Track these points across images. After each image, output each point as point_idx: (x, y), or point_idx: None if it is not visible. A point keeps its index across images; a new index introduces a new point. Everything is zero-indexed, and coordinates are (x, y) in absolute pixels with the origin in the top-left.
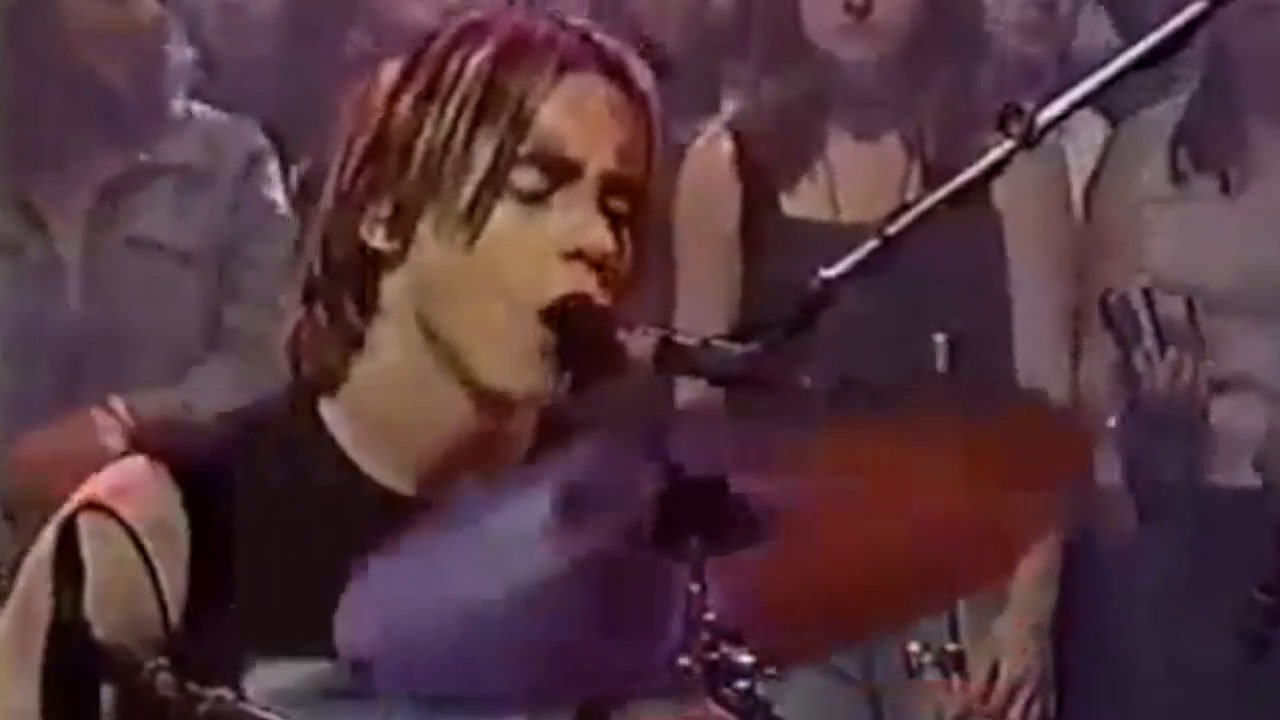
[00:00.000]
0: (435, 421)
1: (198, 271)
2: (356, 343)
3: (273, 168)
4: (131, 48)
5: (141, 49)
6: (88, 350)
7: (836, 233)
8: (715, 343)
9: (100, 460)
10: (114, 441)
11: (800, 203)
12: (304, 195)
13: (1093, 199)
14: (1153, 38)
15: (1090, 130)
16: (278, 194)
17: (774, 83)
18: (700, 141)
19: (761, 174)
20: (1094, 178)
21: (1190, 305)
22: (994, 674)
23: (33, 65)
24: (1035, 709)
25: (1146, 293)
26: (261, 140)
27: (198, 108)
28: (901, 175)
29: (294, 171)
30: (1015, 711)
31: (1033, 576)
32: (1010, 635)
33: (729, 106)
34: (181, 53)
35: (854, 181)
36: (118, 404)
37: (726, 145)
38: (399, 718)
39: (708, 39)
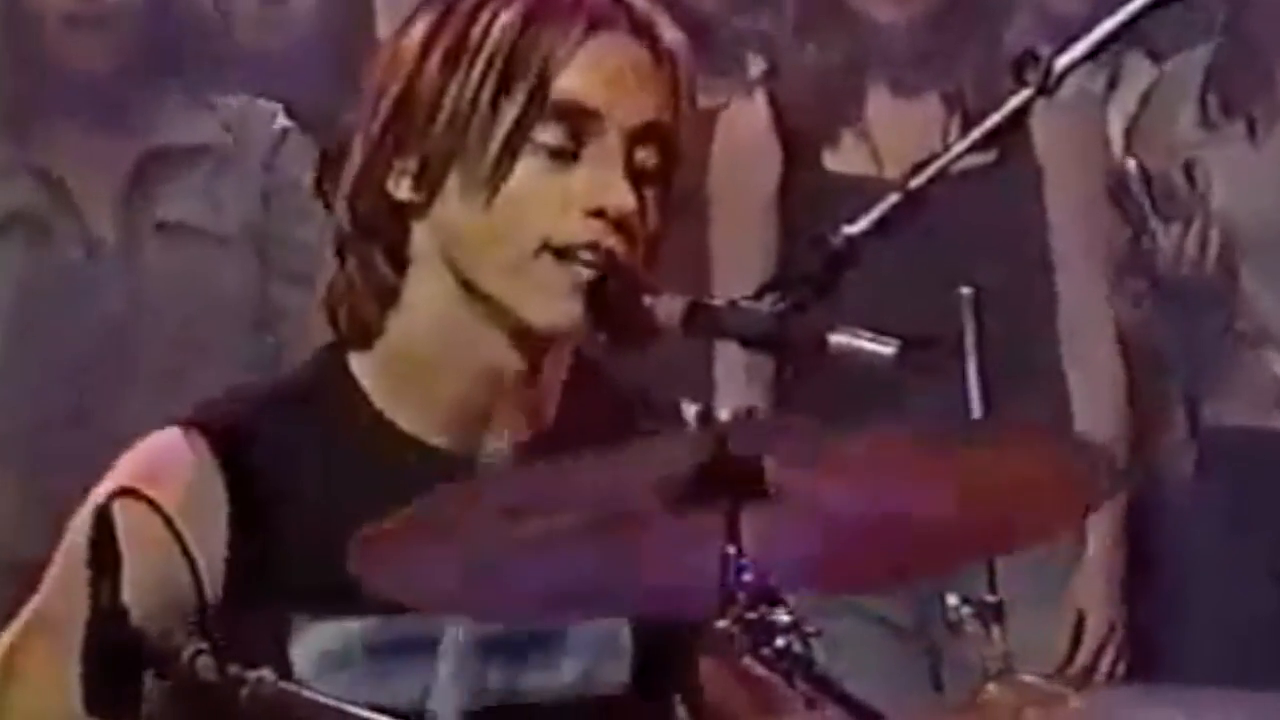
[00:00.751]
0: (472, 368)
1: (235, 253)
2: (391, 295)
3: (298, 147)
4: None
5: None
6: (127, 334)
7: (880, 187)
8: (743, 303)
9: None
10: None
11: (843, 159)
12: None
13: (1133, 143)
14: None
15: (1141, 74)
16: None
17: (811, 43)
18: (734, 105)
19: (801, 133)
20: (1134, 120)
21: (1188, 172)
22: (1079, 630)
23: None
24: (1121, 663)
25: (1142, 168)
26: (285, 121)
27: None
28: (941, 129)
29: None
30: (1104, 664)
31: (1107, 532)
32: (1091, 590)
33: (756, 69)
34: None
35: (895, 137)
36: None
37: (763, 106)
38: (446, 665)
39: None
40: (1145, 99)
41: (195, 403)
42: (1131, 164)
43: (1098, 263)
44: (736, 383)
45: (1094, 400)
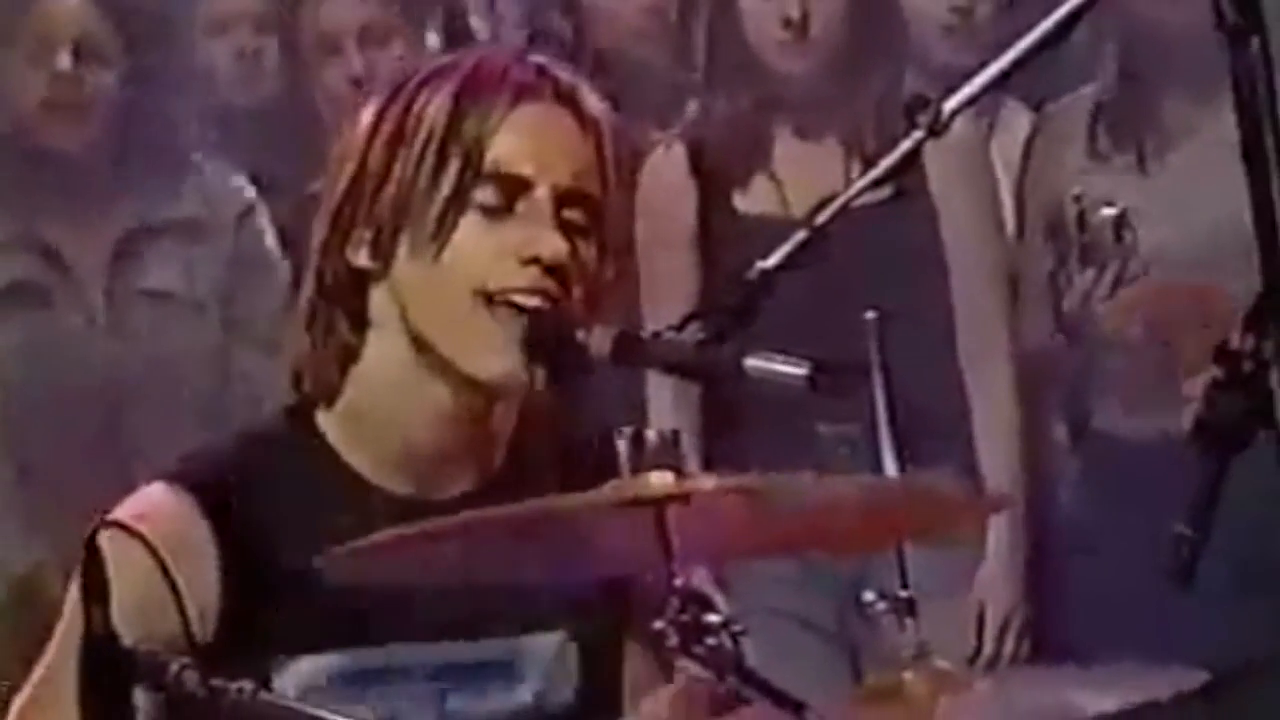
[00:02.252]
0: (424, 420)
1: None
2: (352, 355)
3: (263, 218)
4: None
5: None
6: (116, 394)
7: (787, 226)
8: (665, 334)
9: None
10: None
11: (752, 200)
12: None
13: (1024, 184)
14: (1045, 24)
15: (1020, 121)
16: (269, 241)
17: (723, 92)
18: (658, 150)
19: (714, 176)
20: (1022, 164)
21: (1118, 225)
22: (981, 618)
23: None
24: (1025, 645)
25: (1080, 212)
26: (250, 192)
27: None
28: (843, 171)
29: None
30: (1007, 650)
31: (1005, 530)
32: (991, 584)
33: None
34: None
35: (800, 179)
36: None
37: (680, 151)
38: (413, 692)
39: (662, 52)
40: (1029, 141)
41: (175, 458)
42: (1072, 208)
43: (995, 294)
44: (666, 407)
45: (992, 421)
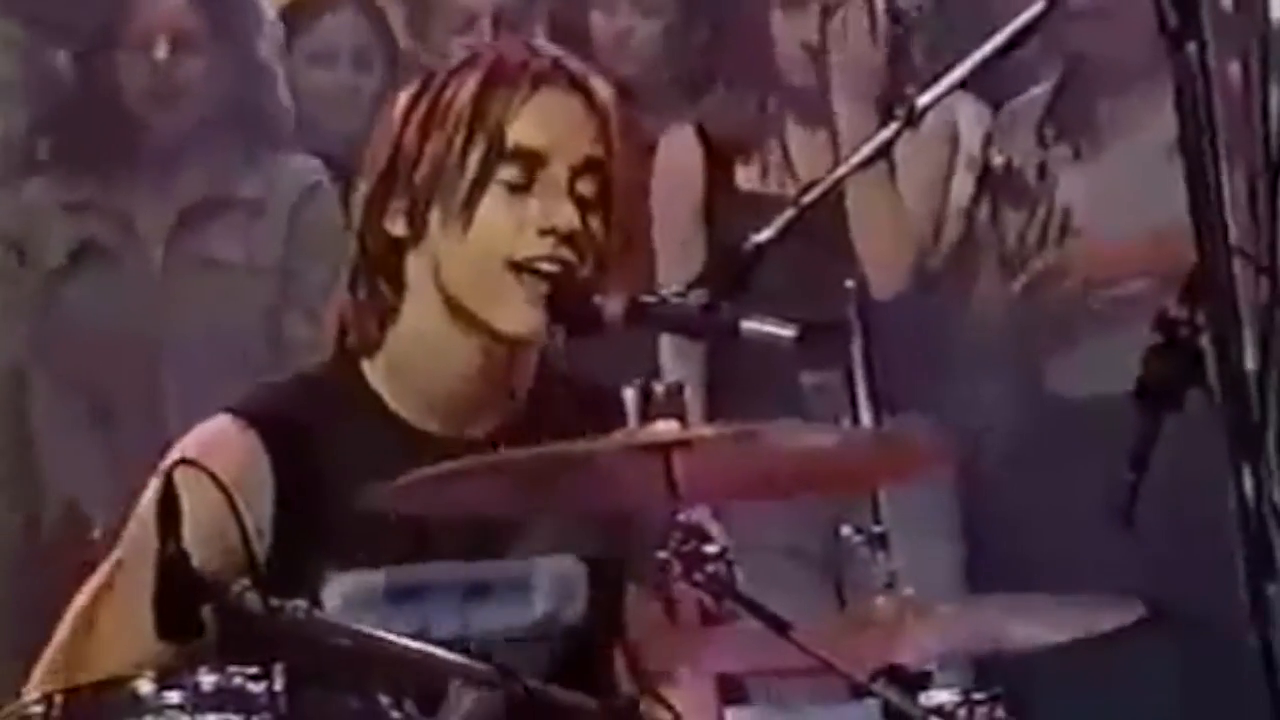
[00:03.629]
0: (456, 370)
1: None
2: (392, 313)
3: (326, 198)
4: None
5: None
6: (168, 348)
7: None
8: (671, 298)
9: None
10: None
11: (749, 178)
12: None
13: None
14: (1004, 33)
15: (979, 112)
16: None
17: (737, 96)
18: (670, 132)
19: (719, 158)
20: (983, 151)
21: (1040, 170)
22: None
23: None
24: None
25: (1007, 163)
26: (315, 175)
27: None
28: (833, 158)
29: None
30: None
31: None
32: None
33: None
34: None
35: (798, 164)
36: None
37: (690, 135)
38: (441, 606)
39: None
40: (989, 132)
41: (238, 393)
42: (998, 159)
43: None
44: (674, 362)
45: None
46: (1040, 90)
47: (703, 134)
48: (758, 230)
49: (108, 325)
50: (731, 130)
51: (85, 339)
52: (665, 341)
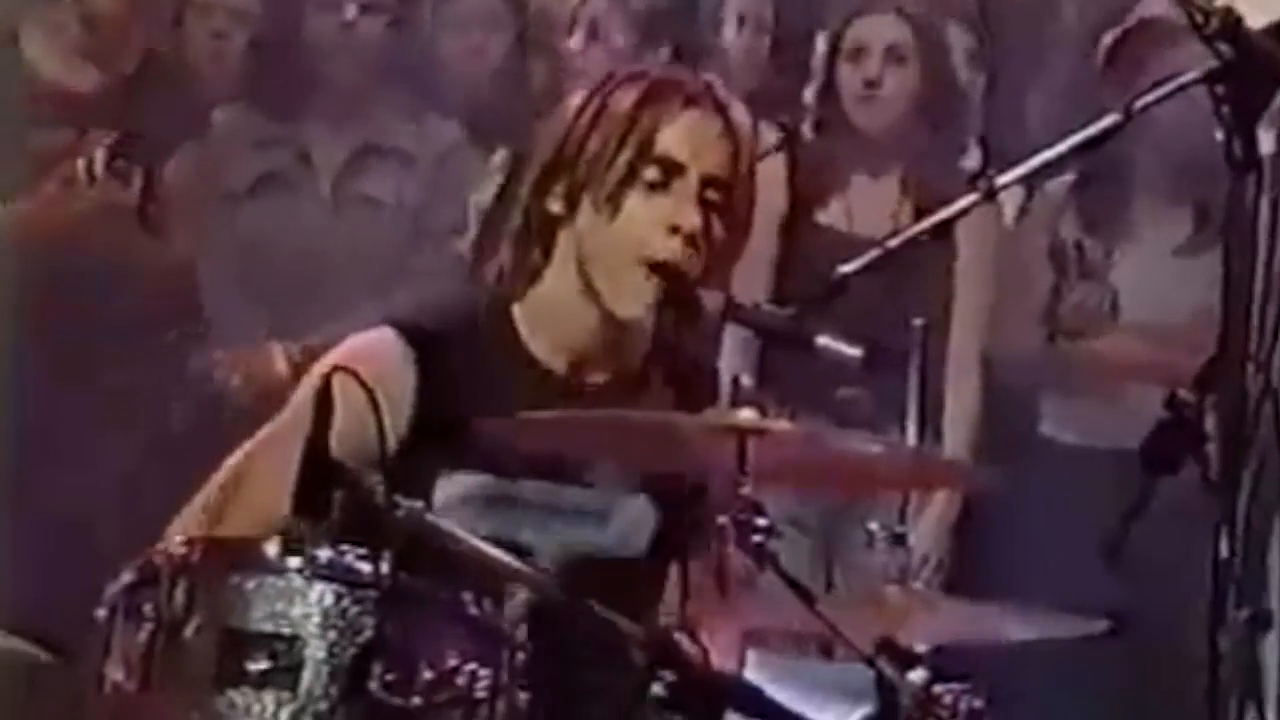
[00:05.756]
0: (579, 332)
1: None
2: (537, 274)
3: (464, 154)
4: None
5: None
6: (328, 266)
7: (849, 240)
8: (764, 306)
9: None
10: (281, 368)
11: (827, 215)
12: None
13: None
14: (1078, 138)
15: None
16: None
17: (818, 136)
18: (765, 159)
19: (802, 191)
20: (1018, 221)
21: (1110, 243)
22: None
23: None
24: (939, 577)
25: (1078, 241)
26: (459, 135)
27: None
28: (896, 208)
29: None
30: (924, 575)
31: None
32: (925, 528)
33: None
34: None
35: (864, 206)
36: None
37: (782, 165)
38: (528, 518)
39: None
40: (1022, 210)
41: (392, 311)
42: (1070, 236)
43: (981, 318)
44: (734, 354)
45: (958, 414)
46: (1066, 179)
47: (793, 166)
48: (828, 261)
49: (282, 242)
50: (819, 169)
51: (262, 251)
52: (729, 335)
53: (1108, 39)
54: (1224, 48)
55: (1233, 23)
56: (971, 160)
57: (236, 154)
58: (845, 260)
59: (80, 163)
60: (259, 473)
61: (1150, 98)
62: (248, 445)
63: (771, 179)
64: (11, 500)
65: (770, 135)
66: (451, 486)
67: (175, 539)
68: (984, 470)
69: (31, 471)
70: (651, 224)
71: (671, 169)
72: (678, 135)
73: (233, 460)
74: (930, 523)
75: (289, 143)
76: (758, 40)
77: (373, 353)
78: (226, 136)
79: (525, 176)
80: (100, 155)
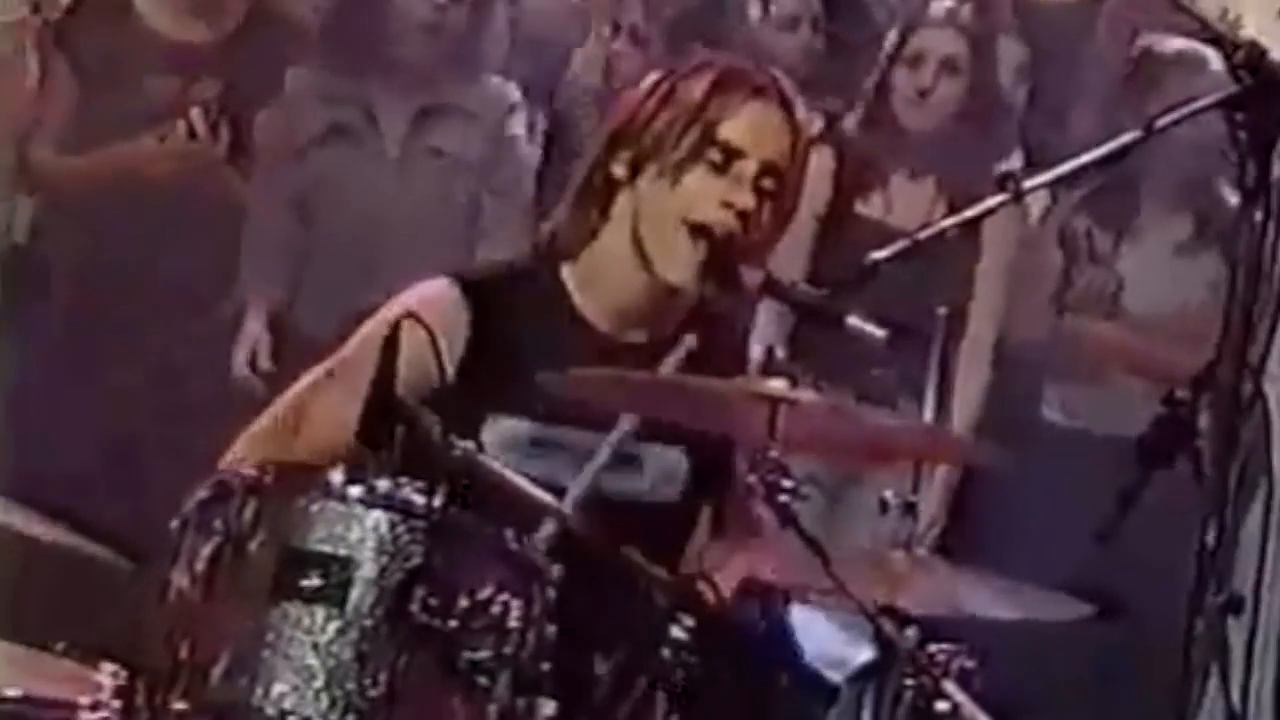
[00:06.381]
0: (626, 292)
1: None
2: (593, 234)
3: (520, 117)
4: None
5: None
6: (392, 217)
7: (886, 231)
8: (800, 285)
9: None
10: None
11: (868, 207)
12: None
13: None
14: (1103, 149)
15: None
16: (520, 133)
17: (866, 133)
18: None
19: (844, 182)
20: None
21: (1118, 237)
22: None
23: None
24: (938, 540)
25: (1089, 230)
26: (518, 97)
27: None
28: (930, 205)
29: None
30: (929, 539)
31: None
32: (932, 494)
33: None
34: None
35: (903, 201)
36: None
37: (829, 158)
38: (567, 462)
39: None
40: (1046, 211)
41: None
42: (1081, 229)
43: (997, 312)
44: (769, 327)
45: (966, 395)
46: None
47: (840, 158)
48: (863, 249)
49: (347, 189)
50: (863, 162)
51: (326, 200)
52: (764, 309)
53: (1129, 60)
54: (1246, 77)
55: (1257, 55)
56: (1012, 164)
57: (308, 109)
58: (879, 249)
59: (180, 123)
60: (318, 403)
61: (1173, 117)
62: (310, 376)
63: (819, 170)
64: (103, 418)
65: (817, 122)
66: (497, 430)
67: (249, 463)
68: (990, 448)
69: (122, 393)
70: (707, 196)
71: (733, 154)
72: (742, 125)
73: (295, 389)
74: (935, 492)
75: (355, 101)
76: (813, 40)
77: (432, 298)
78: (301, 92)
79: (594, 140)
80: (198, 114)
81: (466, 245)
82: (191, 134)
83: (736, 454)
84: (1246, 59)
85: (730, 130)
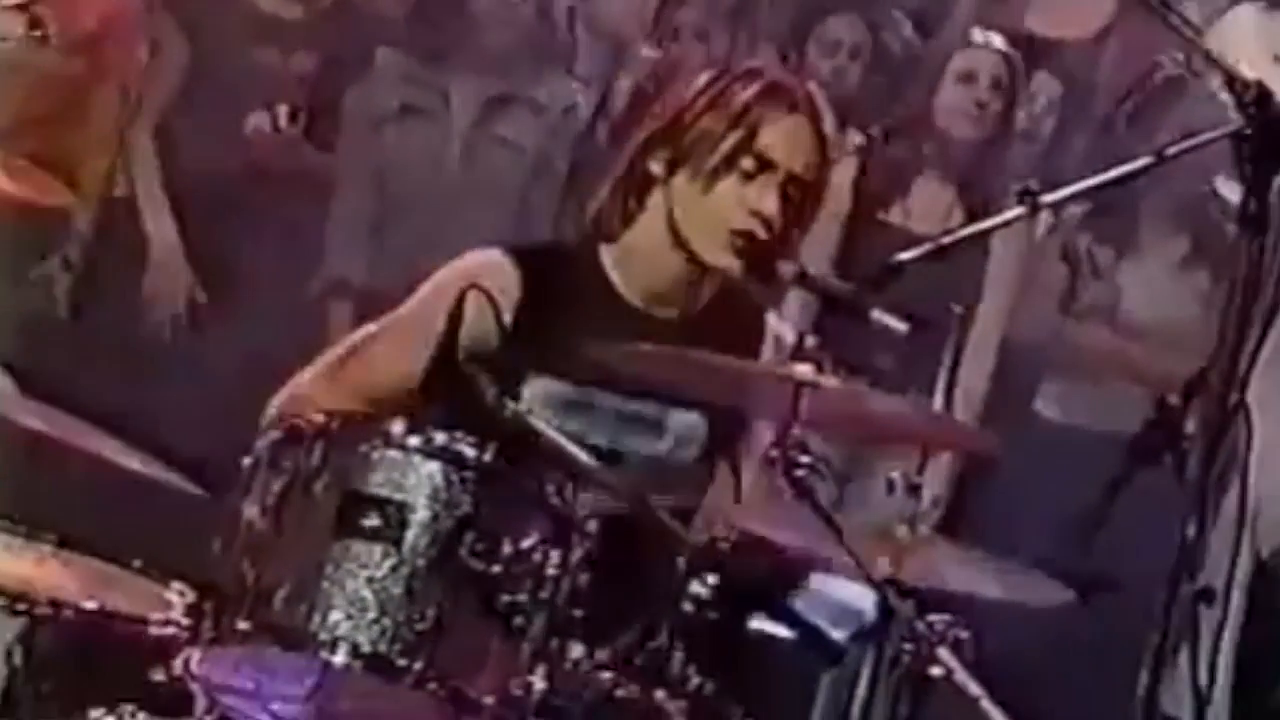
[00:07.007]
0: (661, 272)
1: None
2: (629, 221)
3: (582, 111)
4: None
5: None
6: (453, 194)
7: (906, 235)
8: (830, 277)
9: None
10: None
11: (890, 214)
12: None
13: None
14: (1114, 172)
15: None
16: (580, 128)
17: (891, 143)
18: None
19: (866, 190)
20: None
21: (1118, 254)
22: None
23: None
24: (939, 521)
25: (1090, 249)
26: (579, 94)
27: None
28: (948, 211)
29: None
30: (931, 519)
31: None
32: (936, 472)
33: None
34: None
35: (922, 207)
36: None
37: (852, 165)
38: (596, 421)
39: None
40: (1051, 226)
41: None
42: (1083, 244)
43: (1003, 314)
44: (795, 315)
45: (968, 388)
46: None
47: (864, 167)
48: (887, 251)
49: (414, 164)
50: (887, 171)
51: (395, 174)
52: (792, 298)
53: (1136, 94)
54: (1254, 113)
55: (1265, 94)
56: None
57: (389, 88)
58: (900, 251)
59: (267, 117)
60: (375, 354)
61: (1182, 146)
62: (371, 327)
63: (842, 179)
64: (186, 360)
65: (855, 138)
66: (536, 389)
67: (317, 411)
68: (992, 437)
69: (205, 344)
70: (737, 204)
71: (764, 163)
72: (778, 137)
73: (354, 337)
74: (937, 474)
75: (429, 83)
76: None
77: (486, 266)
78: (387, 70)
79: (639, 133)
80: (284, 110)
81: (520, 227)
82: (276, 129)
83: (749, 420)
84: (1255, 97)
85: (767, 141)
